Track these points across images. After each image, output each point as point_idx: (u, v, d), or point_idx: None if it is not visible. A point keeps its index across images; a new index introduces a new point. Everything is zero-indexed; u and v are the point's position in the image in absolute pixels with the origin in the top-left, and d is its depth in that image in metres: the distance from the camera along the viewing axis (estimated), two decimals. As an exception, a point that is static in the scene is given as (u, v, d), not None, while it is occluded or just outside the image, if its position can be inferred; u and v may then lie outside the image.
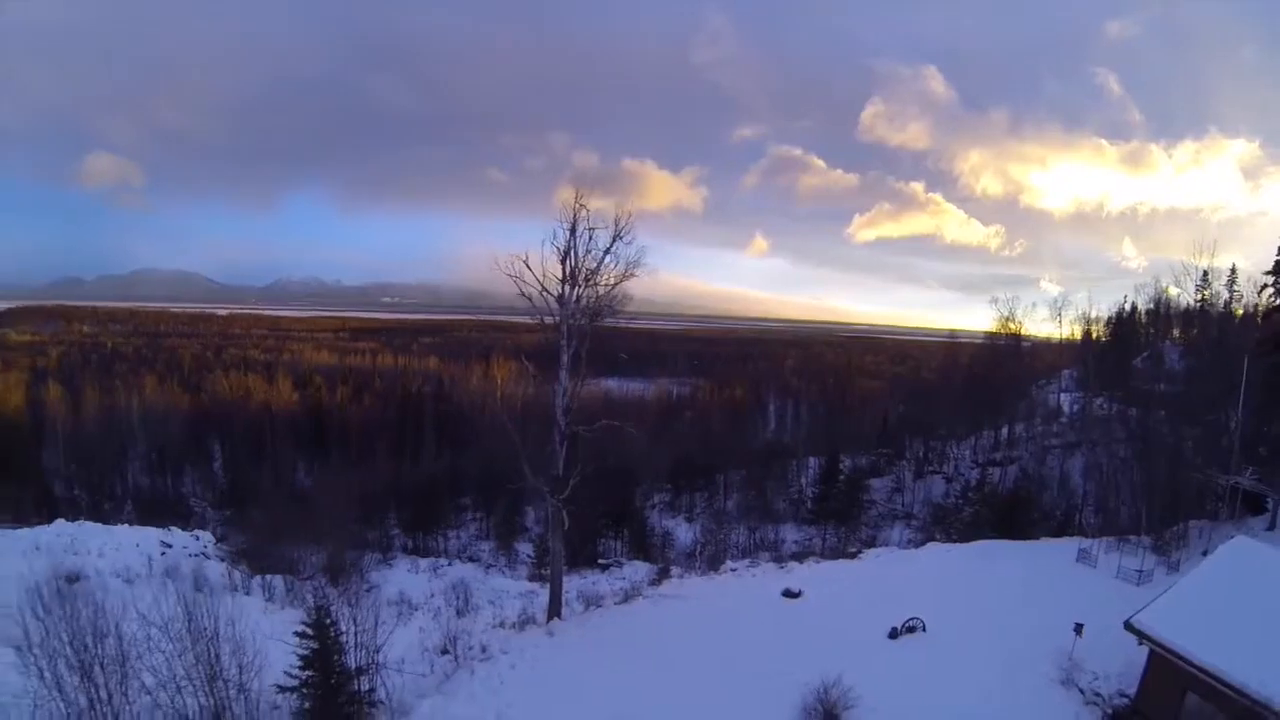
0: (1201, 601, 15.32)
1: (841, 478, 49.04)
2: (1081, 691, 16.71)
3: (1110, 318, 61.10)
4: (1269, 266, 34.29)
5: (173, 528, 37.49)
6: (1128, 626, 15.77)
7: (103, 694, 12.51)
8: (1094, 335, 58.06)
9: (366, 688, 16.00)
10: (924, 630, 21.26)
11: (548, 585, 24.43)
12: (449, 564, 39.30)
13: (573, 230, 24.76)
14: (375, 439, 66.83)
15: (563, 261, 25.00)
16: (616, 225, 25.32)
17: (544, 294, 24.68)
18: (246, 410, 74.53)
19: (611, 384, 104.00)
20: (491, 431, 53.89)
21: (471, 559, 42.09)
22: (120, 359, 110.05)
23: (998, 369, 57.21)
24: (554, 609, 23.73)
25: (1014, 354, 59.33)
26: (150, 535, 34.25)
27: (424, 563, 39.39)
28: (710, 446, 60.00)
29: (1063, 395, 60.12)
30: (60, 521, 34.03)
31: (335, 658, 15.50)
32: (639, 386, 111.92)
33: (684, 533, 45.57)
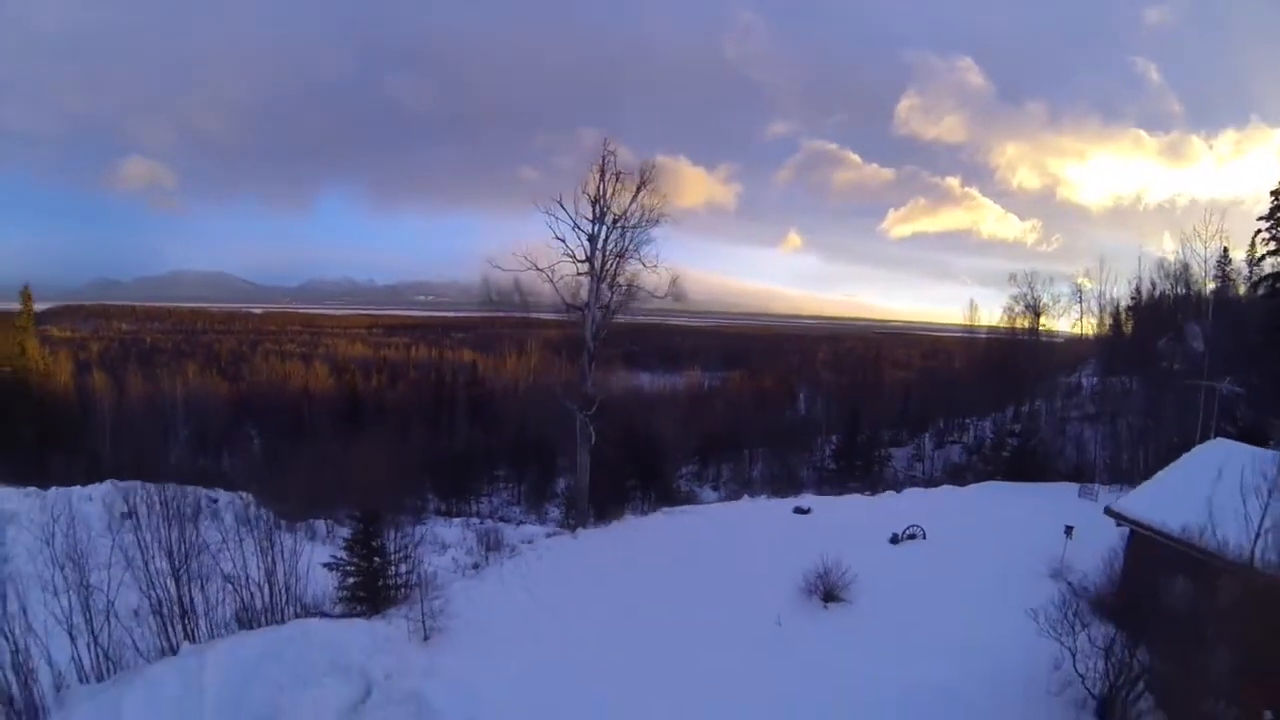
0: (1175, 487, 16.29)
1: (862, 436, 49.47)
2: (1069, 584, 17.12)
3: (1132, 296, 59.67)
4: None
5: (217, 488, 38.65)
6: (1108, 511, 17.01)
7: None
8: (1121, 318, 56.95)
9: (405, 570, 16.74)
10: (924, 538, 22.17)
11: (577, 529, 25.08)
12: (480, 522, 40.07)
13: (601, 174, 25.80)
14: (411, 419, 67.95)
15: (594, 203, 25.94)
16: (642, 175, 26.32)
17: (576, 230, 25.57)
18: (284, 395, 76.34)
19: (645, 377, 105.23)
20: (524, 402, 54.86)
21: (503, 519, 42.84)
22: (159, 352, 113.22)
23: (1016, 359, 56.03)
24: (580, 518, 24.52)
25: (1032, 346, 57.69)
26: (197, 491, 35.49)
27: (457, 520, 40.13)
28: (738, 428, 60.34)
29: (1084, 379, 59.00)
30: (112, 480, 35.41)
31: (375, 542, 16.30)
32: (672, 380, 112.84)
33: (709, 495, 46.58)
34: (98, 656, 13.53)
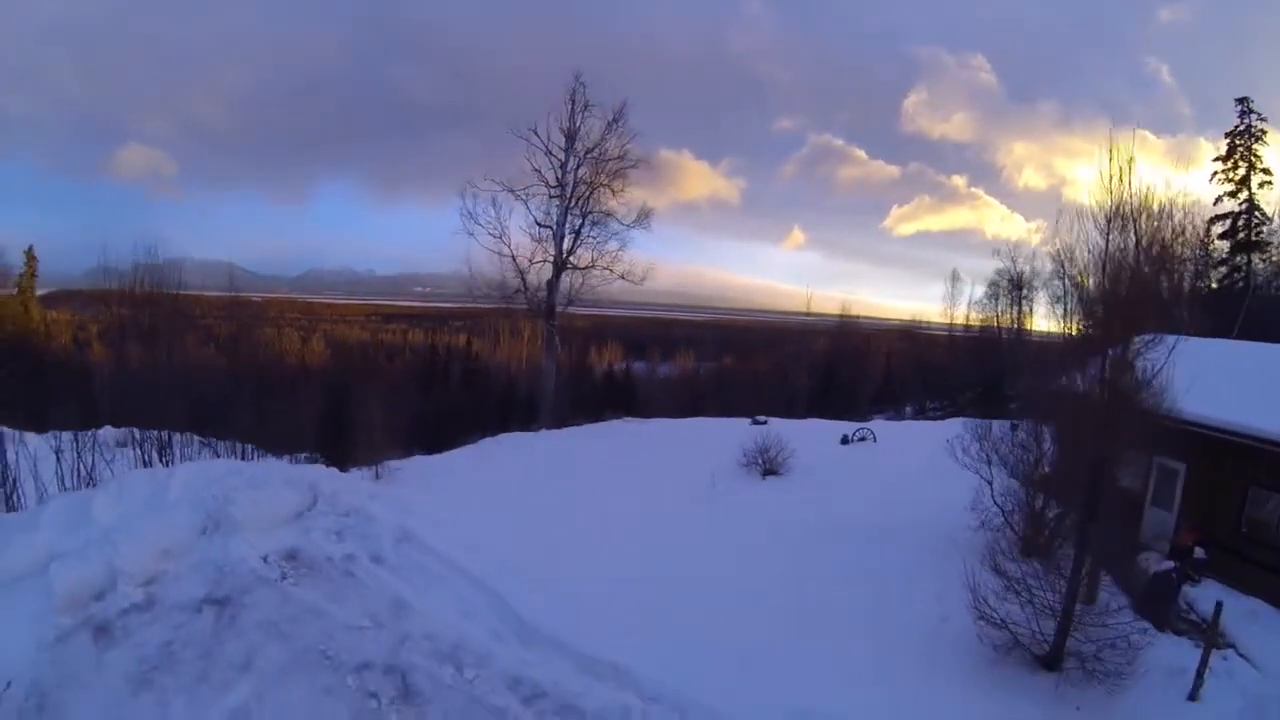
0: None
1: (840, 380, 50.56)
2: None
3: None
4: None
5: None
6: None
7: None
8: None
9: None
10: (874, 441, 23.09)
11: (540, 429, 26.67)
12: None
13: (572, 103, 27.26)
14: (406, 388, 69.23)
15: (567, 135, 27.37)
16: (614, 112, 27.72)
17: (549, 155, 26.98)
18: (283, 367, 77.59)
19: (640, 366, 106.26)
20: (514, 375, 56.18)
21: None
22: (158, 332, 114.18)
23: (998, 351, 56.68)
24: (543, 422, 25.86)
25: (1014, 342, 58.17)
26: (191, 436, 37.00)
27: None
28: (723, 395, 61.43)
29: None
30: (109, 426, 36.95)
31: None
32: (667, 369, 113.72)
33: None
34: (79, 472, 15.06)
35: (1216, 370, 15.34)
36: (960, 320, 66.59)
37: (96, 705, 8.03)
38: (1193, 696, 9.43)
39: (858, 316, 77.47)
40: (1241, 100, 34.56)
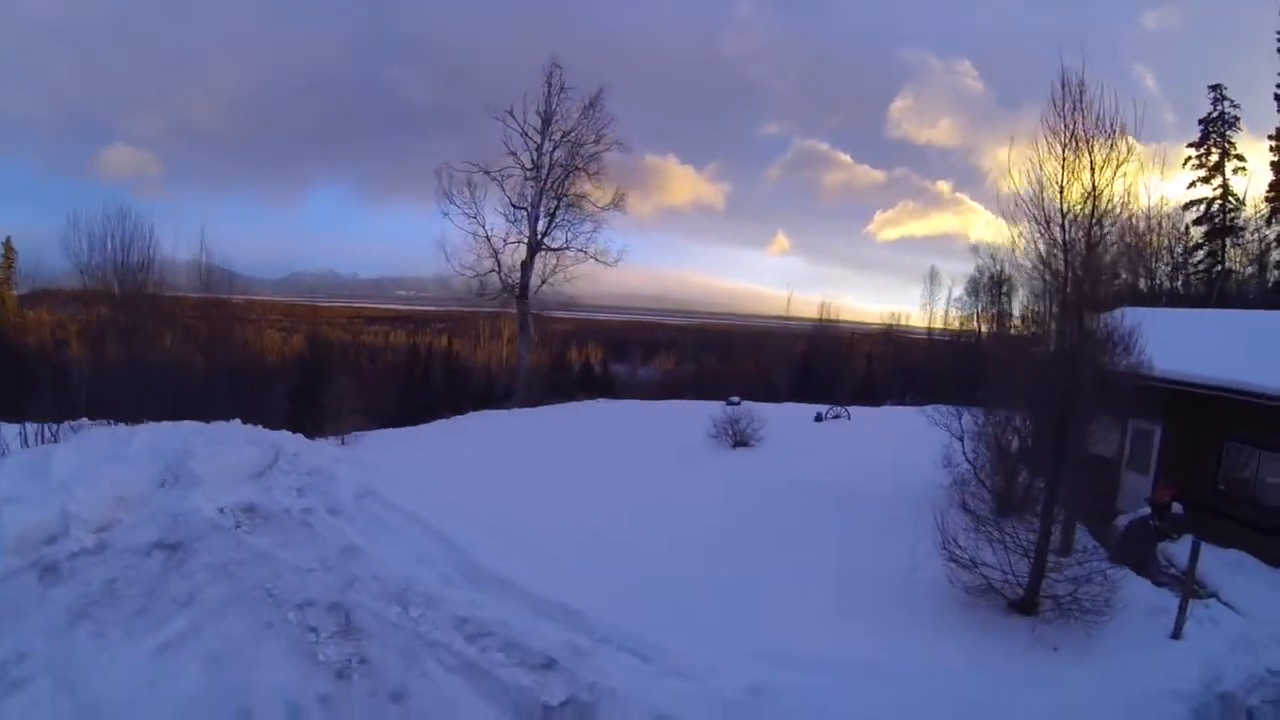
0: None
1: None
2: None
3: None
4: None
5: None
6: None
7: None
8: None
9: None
10: (848, 419, 22.86)
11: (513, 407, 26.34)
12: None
13: (549, 86, 27.11)
14: (386, 386, 68.70)
15: (543, 117, 27.12)
16: (590, 97, 27.52)
17: (525, 137, 26.85)
18: (262, 363, 76.73)
19: (620, 369, 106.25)
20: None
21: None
22: (138, 329, 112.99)
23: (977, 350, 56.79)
24: (517, 400, 25.53)
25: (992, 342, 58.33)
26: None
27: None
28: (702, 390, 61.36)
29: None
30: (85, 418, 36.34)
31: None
32: (647, 371, 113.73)
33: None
34: (44, 437, 14.57)
35: (1189, 334, 15.37)
36: (939, 319, 66.54)
37: (33, 634, 7.83)
38: (1176, 634, 9.09)
39: (837, 320, 77.14)
40: (1215, 87, 34.67)
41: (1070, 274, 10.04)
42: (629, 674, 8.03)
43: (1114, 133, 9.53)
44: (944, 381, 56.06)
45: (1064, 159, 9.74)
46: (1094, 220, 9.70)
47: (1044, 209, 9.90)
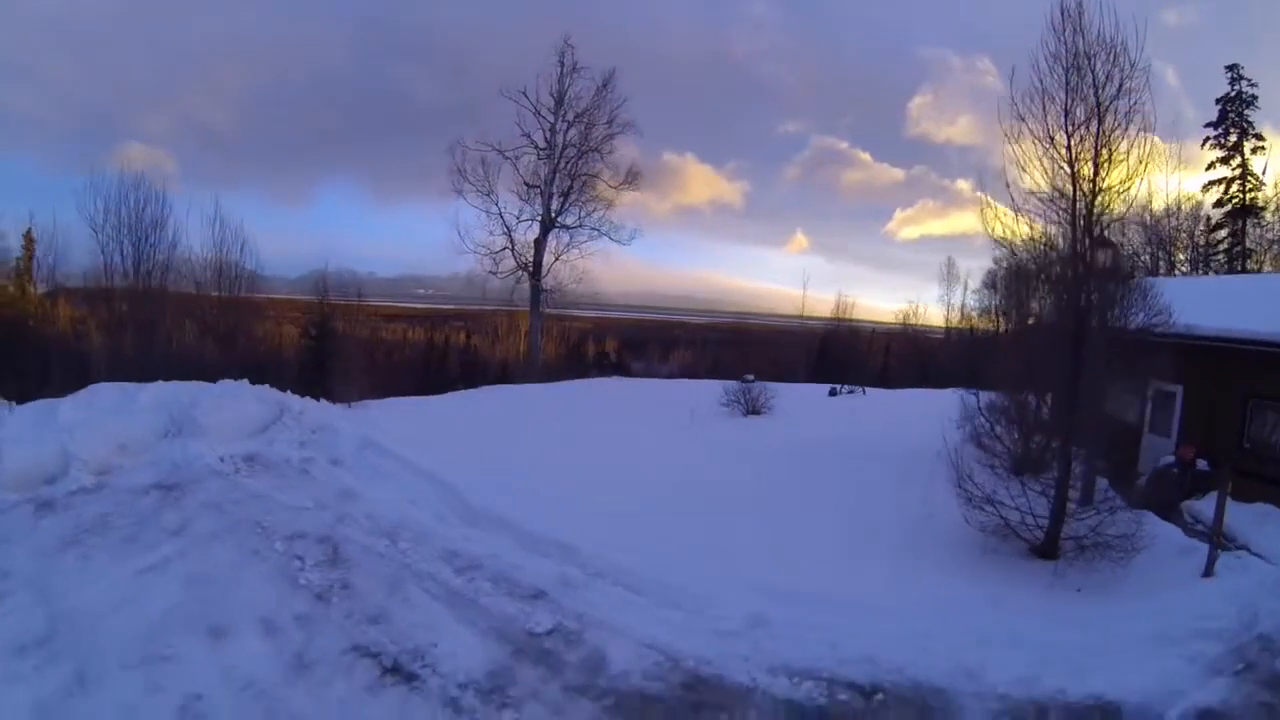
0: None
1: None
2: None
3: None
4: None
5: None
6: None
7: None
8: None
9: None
10: (863, 394, 22.48)
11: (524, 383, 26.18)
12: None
13: (561, 67, 26.90)
14: (404, 371, 69.23)
15: (556, 97, 26.88)
16: (604, 78, 27.23)
17: (538, 117, 26.64)
18: (279, 358, 77.31)
19: (637, 365, 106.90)
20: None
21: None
22: (156, 323, 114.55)
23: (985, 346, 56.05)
24: (530, 376, 25.35)
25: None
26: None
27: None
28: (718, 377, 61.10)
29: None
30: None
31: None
32: (666, 368, 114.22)
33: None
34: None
35: (1211, 295, 14.92)
36: (956, 310, 65.68)
37: (21, 556, 7.82)
38: (1208, 572, 8.55)
39: (854, 319, 76.60)
40: (1231, 67, 33.67)
41: (1077, 191, 9.52)
42: (622, 605, 7.69)
43: (1115, 51, 9.08)
44: (964, 370, 55.81)
45: (1066, 82, 9.31)
46: (1100, 141, 9.24)
47: (1046, 125, 9.44)
